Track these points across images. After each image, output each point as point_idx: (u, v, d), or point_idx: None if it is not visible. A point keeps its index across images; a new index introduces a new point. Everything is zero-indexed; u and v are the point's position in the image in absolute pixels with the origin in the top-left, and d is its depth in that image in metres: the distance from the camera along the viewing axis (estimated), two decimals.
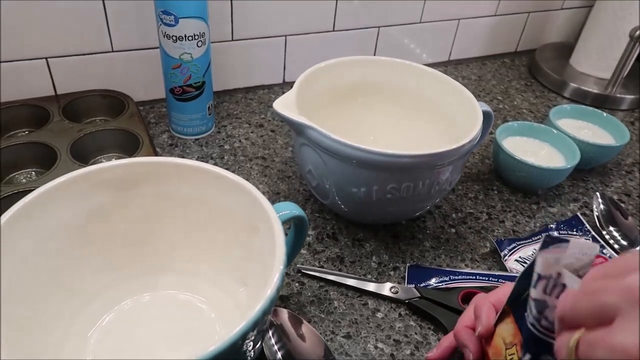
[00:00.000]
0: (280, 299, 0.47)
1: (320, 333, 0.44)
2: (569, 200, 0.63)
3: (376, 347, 0.44)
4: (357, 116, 0.62)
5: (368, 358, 0.43)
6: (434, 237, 0.56)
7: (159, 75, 0.63)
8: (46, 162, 0.56)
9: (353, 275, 0.50)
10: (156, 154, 0.60)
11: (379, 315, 0.47)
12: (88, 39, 0.64)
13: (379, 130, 0.62)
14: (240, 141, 0.67)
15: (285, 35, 0.75)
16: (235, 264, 0.42)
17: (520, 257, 0.52)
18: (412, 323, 0.46)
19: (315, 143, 0.47)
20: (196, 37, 0.57)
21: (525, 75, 0.92)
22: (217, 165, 0.41)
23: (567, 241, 0.26)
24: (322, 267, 0.51)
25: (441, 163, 0.47)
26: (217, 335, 0.41)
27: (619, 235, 0.56)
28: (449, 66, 0.92)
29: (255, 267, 0.38)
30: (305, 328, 0.42)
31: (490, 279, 0.49)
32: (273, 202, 0.39)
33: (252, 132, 0.69)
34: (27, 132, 0.62)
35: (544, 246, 0.27)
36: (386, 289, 0.48)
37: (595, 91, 0.84)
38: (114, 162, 0.40)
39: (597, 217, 0.58)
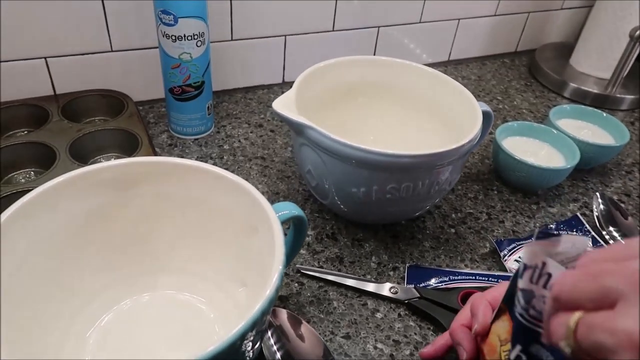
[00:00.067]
0: (280, 299, 0.47)
1: (320, 333, 0.44)
2: (568, 200, 0.63)
3: (375, 348, 0.44)
4: (357, 116, 0.62)
5: (367, 358, 0.43)
6: (433, 237, 0.56)
7: (158, 75, 0.63)
8: (45, 162, 0.55)
9: (352, 276, 0.50)
10: (155, 154, 0.60)
11: (379, 315, 0.47)
12: (87, 38, 0.64)
13: (378, 131, 0.62)
14: (239, 141, 0.67)
15: (285, 35, 0.75)
16: (235, 264, 0.42)
17: (520, 257, 0.52)
18: (411, 323, 0.46)
19: (314, 143, 0.47)
20: (195, 36, 0.57)
21: (525, 75, 0.92)
22: (216, 165, 0.40)
23: (559, 235, 0.26)
24: (321, 267, 0.51)
25: (441, 163, 0.46)
26: (216, 336, 0.41)
27: (619, 236, 0.56)
28: (448, 66, 0.92)
29: (254, 267, 0.38)
30: (305, 328, 0.42)
31: (490, 279, 0.49)
32: (272, 202, 0.39)
33: (251, 132, 0.69)
34: (26, 132, 0.62)
35: (537, 240, 0.27)
36: (386, 289, 0.48)
37: (595, 91, 0.84)
38: (113, 161, 0.40)
39: (597, 217, 0.58)
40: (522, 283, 0.27)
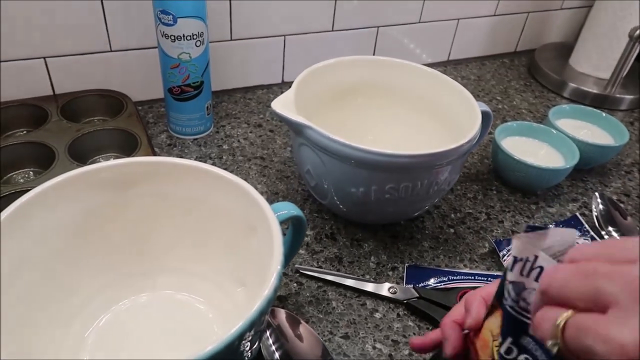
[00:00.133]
0: (279, 299, 0.47)
1: (319, 333, 0.44)
2: (568, 200, 0.63)
3: (374, 348, 0.44)
4: (356, 116, 0.62)
5: (366, 358, 0.43)
6: (432, 237, 0.55)
7: (157, 75, 0.63)
8: (44, 162, 0.55)
9: (351, 276, 0.50)
10: (154, 154, 0.60)
11: (378, 315, 0.47)
12: (86, 38, 0.64)
13: (377, 130, 0.62)
14: (239, 141, 0.67)
15: (284, 35, 0.75)
16: (233, 264, 0.42)
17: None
18: (410, 323, 0.46)
19: (313, 143, 0.47)
20: (195, 36, 0.57)
21: (524, 75, 0.92)
22: (215, 165, 0.41)
23: (547, 229, 0.26)
24: (320, 267, 0.51)
25: (440, 163, 0.46)
26: (214, 336, 0.40)
27: (618, 236, 0.56)
28: (448, 66, 0.92)
29: (253, 267, 0.38)
30: (303, 328, 0.42)
31: (489, 279, 0.49)
32: (272, 202, 0.39)
33: (250, 132, 0.69)
34: (25, 132, 0.62)
35: (526, 233, 0.27)
36: (385, 289, 0.48)
37: (595, 91, 0.84)
38: (112, 161, 0.40)
39: (596, 217, 0.58)
40: (512, 276, 0.27)
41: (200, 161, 0.41)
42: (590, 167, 0.68)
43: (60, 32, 0.62)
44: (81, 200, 0.39)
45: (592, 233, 0.56)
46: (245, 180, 0.39)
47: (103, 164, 0.40)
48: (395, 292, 0.48)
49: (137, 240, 0.43)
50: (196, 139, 0.66)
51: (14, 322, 0.34)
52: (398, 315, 0.47)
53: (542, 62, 0.90)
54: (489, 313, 0.31)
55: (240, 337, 0.29)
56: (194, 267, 0.44)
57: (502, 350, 0.27)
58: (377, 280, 0.50)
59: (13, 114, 0.62)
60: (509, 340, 0.27)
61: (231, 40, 0.72)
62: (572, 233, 0.26)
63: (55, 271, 0.39)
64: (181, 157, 0.61)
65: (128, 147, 0.60)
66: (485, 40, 0.94)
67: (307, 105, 0.51)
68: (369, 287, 0.48)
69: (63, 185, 0.38)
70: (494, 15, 0.91)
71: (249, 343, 0.32)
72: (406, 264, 0.52)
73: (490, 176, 0.66)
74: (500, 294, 0.29)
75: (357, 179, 0.47)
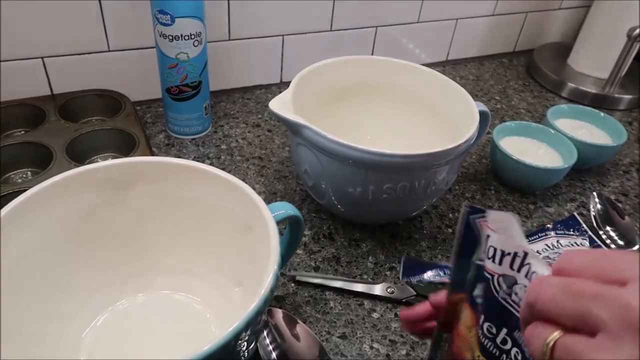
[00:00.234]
0: (276, 299, 0.47)
1: (316, 333, 0.44)
2: (566, 200, 0.63)
3: (372, 348, 0.44)
4: (354, 116, 0.62)
5: (364, 358, 0.43)
6: (430, 237, 0.55)
7: (155, 75, 0.63)
8: (42, 162, 0.55)
9: (348, 279, 0.50)
10: (152, 154, 0.60)
11: (375, 315, 0.47)
12: (84, 38, 0.64)
13: (375, 130, 0.62)
14: (237, 141, 0.67)
15: (283, 35, 0.75)
16: (231, 264, 0.42)
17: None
18: None
19: (311, 143, 0.47)
20: (192, 36, 0.57)
21: (523, 75, 0.92)
22: (213, 165, 0.41)
23: (485, 212, 0.27)
24: (318, 267, 0.51)
25: (437, 163, 0.46)
26: (211, 335, 0.41)
27: (616, 235, 0.56)
28: (446, 66, 0.92)
29: (250, 267, 0.38)
30: (300, 328, 0.42)
31: None
32: (270, 202, 0.39)
33: (249, 132, 0.69)
34: (23, 132, 0.62)
35: (470, 214, 0.28)
36: (382, 289, 0.48)
37: (593, 91, 0.84)
38: (110, 161, 0.40)
39: (594, 217, 0.58)
40: (500, 269, 0.27)
41: (198, 161, 0.41)
42: (589, 166, 0.68)
43: (58, 32, 0.62)
44: (78, 200, 0.39)
45: (590, 233, 0.56)
46: (243, 180, 0.39)
47: (101, 163, 0.40)
48: (392, 292, 0.48)
49: (134, 240, 0.43)
50: (194, 138, 0.66)
51: (11, 322, 0.34)
52: (396, 315, 0.47)
53: (541, 62, 0.90)
54: (458, 312, 0.31)
55: (236, 336, 0.29)
56: (191, 267, 0.44)
57: (498, 340, 0.27)
58: (375, 280, 0.50)
59: (11, 114, 0.62)
60: (505, 330, 0.27)
61: (229, 40, 0.72)
62: (508, 218, 0.26)
63: (52, 271, 0.39)
64: (179, 157, 0.61)
65: (126, 147, 0.59)
66: (483, 40, 0.94)
67: (305, 105, 0.51)
68: (367, 287, 0.48)
69: (60, 185, 0.38)
70: (493, 15, 0.90)
71: (245, 343, 0.32)
72: (402, 258, 0.52)
73: (489, 176, 0.66)
74: (459, 285, 0.30)
75: (354, 178, 0.47)
